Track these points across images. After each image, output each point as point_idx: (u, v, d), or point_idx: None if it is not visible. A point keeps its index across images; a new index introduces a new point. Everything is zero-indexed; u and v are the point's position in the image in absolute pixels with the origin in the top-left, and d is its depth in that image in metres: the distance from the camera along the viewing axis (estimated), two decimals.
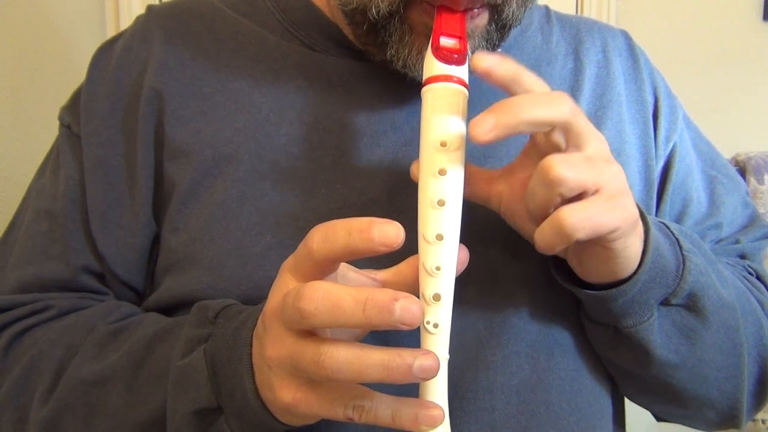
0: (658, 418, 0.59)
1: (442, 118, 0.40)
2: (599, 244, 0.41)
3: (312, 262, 0.35)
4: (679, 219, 0.60)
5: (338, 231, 0.34)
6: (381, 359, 0.33)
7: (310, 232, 0.35)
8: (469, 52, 0.45)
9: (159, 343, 0.47)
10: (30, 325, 0.52)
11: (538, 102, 0.38)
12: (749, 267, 0.60)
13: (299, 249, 0.36)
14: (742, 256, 0.61)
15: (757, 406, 0.54)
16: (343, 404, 0.36)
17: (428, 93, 0.42)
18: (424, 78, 0.43)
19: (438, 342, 0.38)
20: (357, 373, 0.33)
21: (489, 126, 0.37)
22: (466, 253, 0.40)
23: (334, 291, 0.33)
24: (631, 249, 0.42)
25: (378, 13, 0.46)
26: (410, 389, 0.37)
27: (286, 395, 0.36)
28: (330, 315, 0.33)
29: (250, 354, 0.40)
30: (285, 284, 0.37)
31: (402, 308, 0.32)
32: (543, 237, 0.40)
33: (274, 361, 0.36)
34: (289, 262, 0.38)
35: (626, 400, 0.58)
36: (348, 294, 0.33)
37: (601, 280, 0.45)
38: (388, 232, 0.33)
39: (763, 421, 1.27)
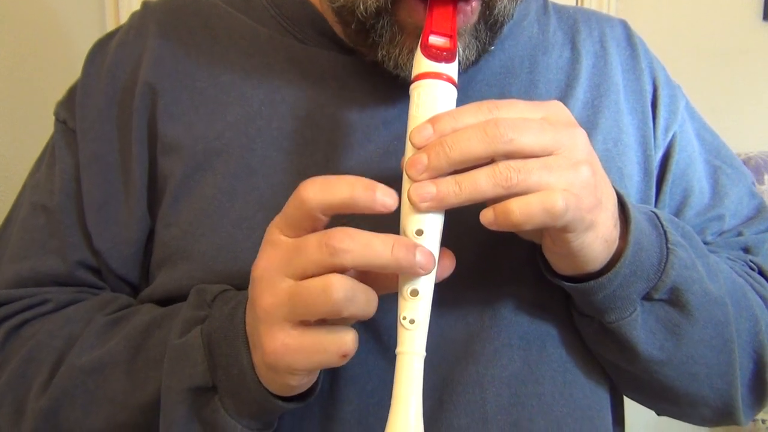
0: (658, 413, 0.58)
1: (428, 115, 0.40)
2: (555, 243, 0.41)
3: (302, 212, 0.37)
4: (679, 209, 0.59)
5: (338, 183, 0.36)
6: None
7: (299, 186, 0.37)
8: (460, 50, 0.45)
9: (157, 329, 0.48)
10: (27, 318, 0.53)
11: (468, 140, 0.37)
12: (751, 262, 0.58)
13: (288, 203, 0.38)
14: (746, 249, 0.60)
15: (757, 403, 0.53)
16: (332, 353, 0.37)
17: (416, 90, 0.41)
18: (413, 75, 0.42)
19: (414, 338, 0.38)
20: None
21: (421, 167, 0.38)
22: (451, 261, 0.40)
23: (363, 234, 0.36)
24: (589, 249, 0.41)
25: (366, 10, 0.46)
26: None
27: (275, 340, 0.37)
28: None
29: (246, 330, 0.40)
30: (277, 239, 0.38)
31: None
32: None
33: (268, 308, 0.37)
34: (277, 220, 0.39)
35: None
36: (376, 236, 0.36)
37: (572, 273, 0.45)
38: (387, 194, 0.36)
39: (763, 421, 1.26)
